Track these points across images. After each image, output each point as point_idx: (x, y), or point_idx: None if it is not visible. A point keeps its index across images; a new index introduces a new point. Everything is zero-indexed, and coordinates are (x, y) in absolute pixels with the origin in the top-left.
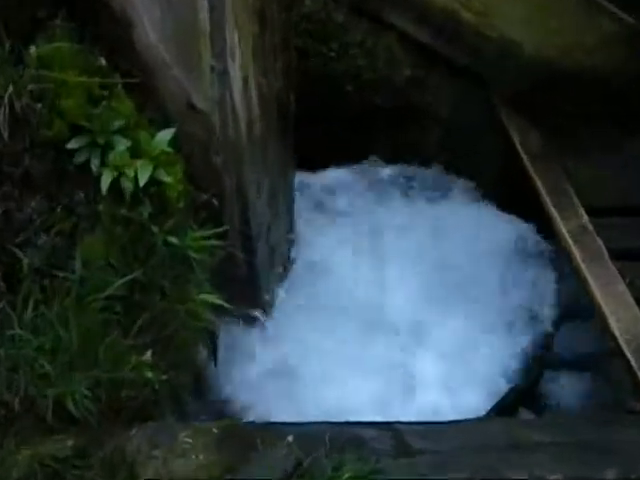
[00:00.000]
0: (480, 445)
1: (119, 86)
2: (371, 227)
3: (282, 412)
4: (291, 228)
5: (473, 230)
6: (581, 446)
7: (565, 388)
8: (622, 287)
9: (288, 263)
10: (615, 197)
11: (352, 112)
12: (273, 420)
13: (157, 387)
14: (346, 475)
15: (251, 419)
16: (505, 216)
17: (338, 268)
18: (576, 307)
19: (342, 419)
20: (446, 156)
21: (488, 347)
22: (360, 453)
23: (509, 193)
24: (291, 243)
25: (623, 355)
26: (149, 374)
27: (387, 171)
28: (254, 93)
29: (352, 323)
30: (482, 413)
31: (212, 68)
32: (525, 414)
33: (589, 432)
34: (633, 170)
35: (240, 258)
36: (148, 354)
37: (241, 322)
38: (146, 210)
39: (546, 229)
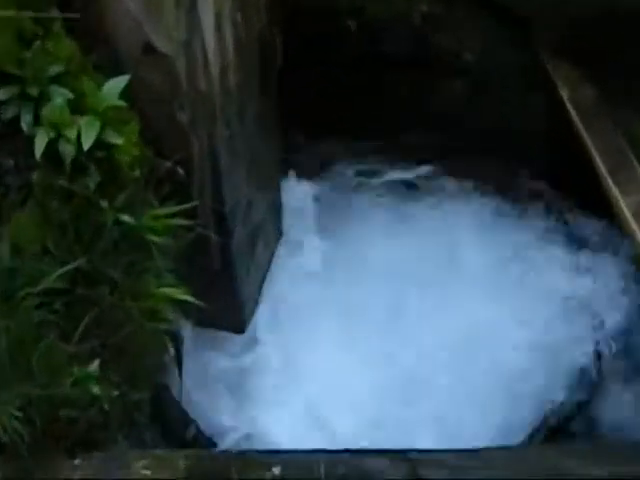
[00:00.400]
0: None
1: (57, 22)
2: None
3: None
4: (277, 205)
5: None
6: None
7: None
8: None
9: (274, 247)
10: None
11: (353, 57)
12: (255, 447)
13: (106, 406)
14: None
15: (227, 446)
16: None
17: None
18: None
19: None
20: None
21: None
22: None
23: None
24: (278, 223)
25: None
26: (96, 389)
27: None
28: (229, 33)
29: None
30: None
31: (177, 2)
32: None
33: None
34: None
35: (212, 242)
36: (94, 364)
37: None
38: (92, 180)
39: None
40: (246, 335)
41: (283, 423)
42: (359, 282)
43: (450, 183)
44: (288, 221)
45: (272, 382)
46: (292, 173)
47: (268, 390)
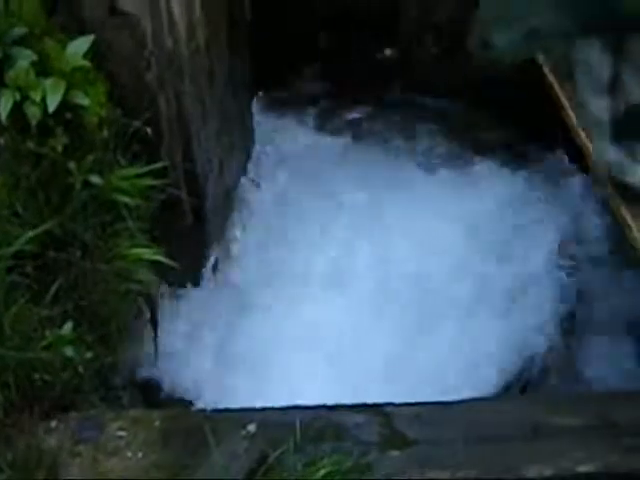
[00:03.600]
0: (491, 432)
1: None
2: None
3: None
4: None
5: None
6: (616, 429)
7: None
8: None
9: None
10: None
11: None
12: (230, 405)
13: (80, 368)
14: (322, 472)
15: (202, 405)
16: None
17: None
18: None
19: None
20: None
21: None
22: (339, 444)
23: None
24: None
25: None
26: (69, 352)
27: None
28: None
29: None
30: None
31: None
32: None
33: (625, 412)
34: None
35: (185, 203)
36: (67, 327)
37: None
38: (59, 142)
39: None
40: None
41: None
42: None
43: None
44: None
45: None
46: None
47: None
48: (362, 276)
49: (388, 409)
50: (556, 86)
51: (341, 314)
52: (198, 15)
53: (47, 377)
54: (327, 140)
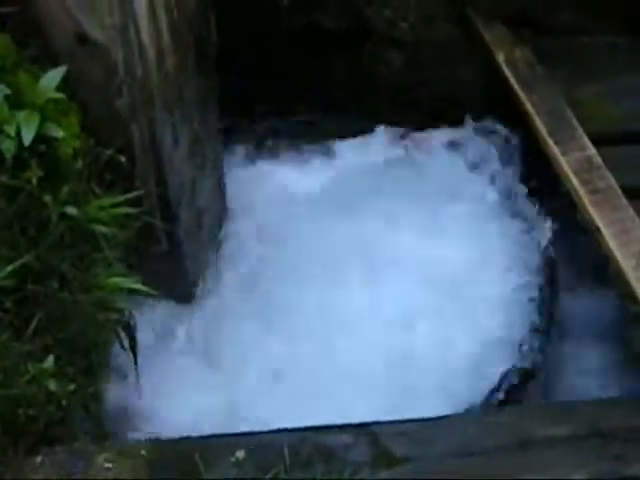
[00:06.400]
0: (479, 445)
1: None
2: None
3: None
4: (221, 184)
5: None
6: (604, 438)
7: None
8: None
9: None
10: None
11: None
12: (217, 432)
13: (63, 401)
14: None
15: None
16: None
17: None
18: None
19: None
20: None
21: None
22: (329, 467)
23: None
24: (223, 201)
25: None
26: (52, 386)
27: None
28: (163, 17)
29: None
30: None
31: None
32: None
33: (611, 420)
34: None
35: (159, 229)
36: (49, 360)
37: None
38: (34, 175)
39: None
40: None
41: None
42: None
43: None
44: None
45: None
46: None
47: None
48: None
49: (374, 428)
50: None
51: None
52: (167, 42)
53: (31, 412)
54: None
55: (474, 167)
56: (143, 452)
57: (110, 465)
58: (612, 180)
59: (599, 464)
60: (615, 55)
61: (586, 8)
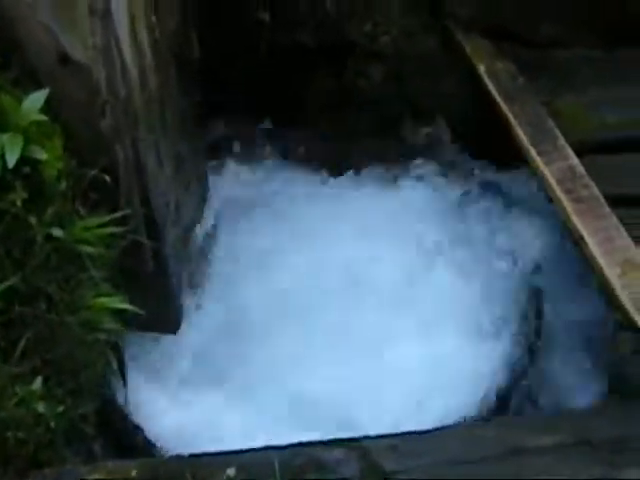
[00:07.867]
0: (470, 456)
1: None
2: None
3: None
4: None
5: None
6: (592, 445)
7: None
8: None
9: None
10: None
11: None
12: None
13: (52, 423)
14: None
15: (178, 451)
16: None
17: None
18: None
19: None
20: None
21: None
22: None
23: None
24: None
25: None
26: (41, 408)
27: None
28: (145, 36)
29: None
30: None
31: (91, 9)
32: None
33: (598, 428)
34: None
35: (145, 248)
36: (38, 382)
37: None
38: (19, 197)
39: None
40: None
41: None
42: None
43: None
44: None
45: None
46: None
47: None
48: None
49: (364, 442)
50: None
51: None
52: (149, 59)
53: (20, 435)
54: None
55: None
56: (133, 472)
57: None
58: (595, 189)
59: (592, 470)
60: (594, 67)
61: (565, 22)
